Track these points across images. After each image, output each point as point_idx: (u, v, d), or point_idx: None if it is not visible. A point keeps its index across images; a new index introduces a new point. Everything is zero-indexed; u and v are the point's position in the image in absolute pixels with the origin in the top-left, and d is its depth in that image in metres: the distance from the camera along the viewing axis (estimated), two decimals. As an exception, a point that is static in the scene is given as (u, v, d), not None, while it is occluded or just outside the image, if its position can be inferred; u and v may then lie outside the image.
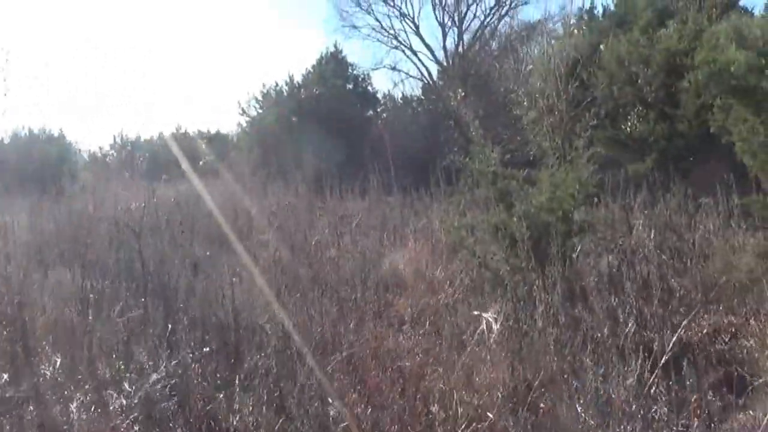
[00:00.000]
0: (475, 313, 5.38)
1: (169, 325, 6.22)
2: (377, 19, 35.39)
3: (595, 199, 10.39)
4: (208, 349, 5.90)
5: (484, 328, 4.98)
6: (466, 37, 34.19)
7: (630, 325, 5.34)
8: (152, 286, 7.53)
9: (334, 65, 28.49)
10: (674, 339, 5.03)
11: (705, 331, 6.62)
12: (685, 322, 6.29)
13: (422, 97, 29.71)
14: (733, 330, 6.57)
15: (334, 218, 12.32)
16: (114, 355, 5.88)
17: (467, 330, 5.50)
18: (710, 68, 5.91)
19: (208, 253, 9.46)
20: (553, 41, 16.91)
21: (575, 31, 16.78)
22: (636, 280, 7.46)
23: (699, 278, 7.58)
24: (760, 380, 4.79)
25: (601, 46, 15.71)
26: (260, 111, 28.19)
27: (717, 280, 7.40)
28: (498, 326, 4.95)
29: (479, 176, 7.02)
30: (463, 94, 22.16)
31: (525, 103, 17.16)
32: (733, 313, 6.92)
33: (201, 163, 16.92)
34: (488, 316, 5.03)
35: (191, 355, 5.74)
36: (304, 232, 10.82)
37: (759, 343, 5.84)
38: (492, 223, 6.83)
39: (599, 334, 5.08)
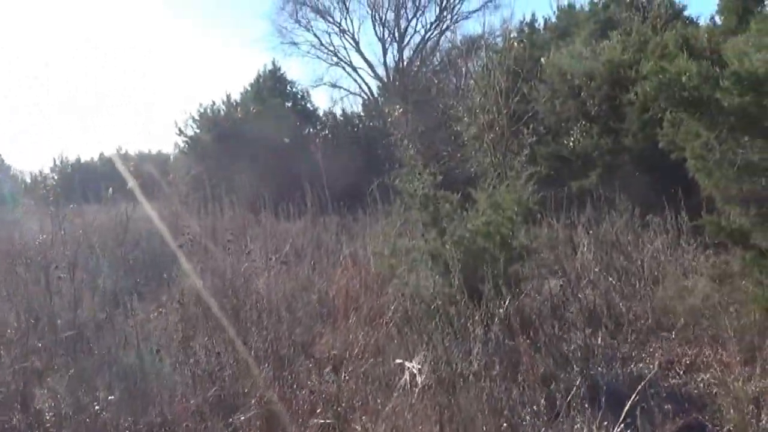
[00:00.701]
0: (398, 361, 4.76)
1: (66, 374, 5.59)
2: (316, 36, 35.17)
3: (538, 216, 9.96)
4: (113, 397, 5.29)
5: (407, 379, 4.36)
6: (408, 52, 33.98)
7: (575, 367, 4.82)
8: (61, 326, 6.88)
9: (272, 83, 27.91)
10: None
11: (658, 362, 6.07)
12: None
13: (362, 114, 29.18)
14: (688, 361, 6.04)
15: (267, 242, 11.71)
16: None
17: (394, 376, 4.89)
18: (660, 79, 5.33)
19: (138, 279, 8.83)
20: (493, 55, 16.44)
21: (515, 44, 16.28)
22: (582, 309, 6.95)
23: (650, 303, 7.06)
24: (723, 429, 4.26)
25: (542, 59, 15.26)
26: (197, 131, 27.41)
27: (669, 306, 6.87)
28: (423, 378, 4.32)
29: (410, 199, 6.39)
30: (401, 110, 21.62)
31: (465, 119, 16.64)
32: (688, 342, 6.39)
33: (128, 186, 16.11)
34: (412, 365, 4.41)
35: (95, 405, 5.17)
36: (233, 259, 10.18)
37: (717, 379, 5.31)
38: (424, 249, 6.23)
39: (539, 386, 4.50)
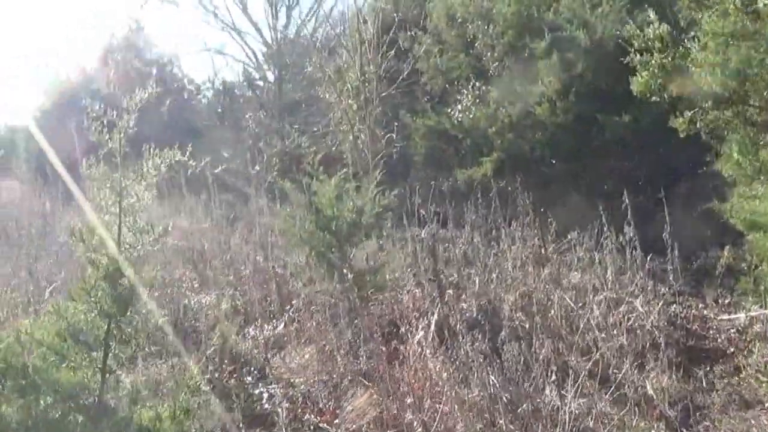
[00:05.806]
0: None
1: None
2: (196, -5, 31.51)
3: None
4: None
5: None
6: (301, 16, 30.55)
7: None
8: None
9: (127, 46, 24.00)
10: None
11: None
12: None
13: (244, 83, 25.42)
14: None
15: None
16: None
17: None
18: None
19: None
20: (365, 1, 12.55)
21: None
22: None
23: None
24: None
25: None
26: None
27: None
28: None
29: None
30: (255, 66, 18.80)
31: (338, 84, 12.61)
32: None
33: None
34: None
35: None
36: None
37: None
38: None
39: None
